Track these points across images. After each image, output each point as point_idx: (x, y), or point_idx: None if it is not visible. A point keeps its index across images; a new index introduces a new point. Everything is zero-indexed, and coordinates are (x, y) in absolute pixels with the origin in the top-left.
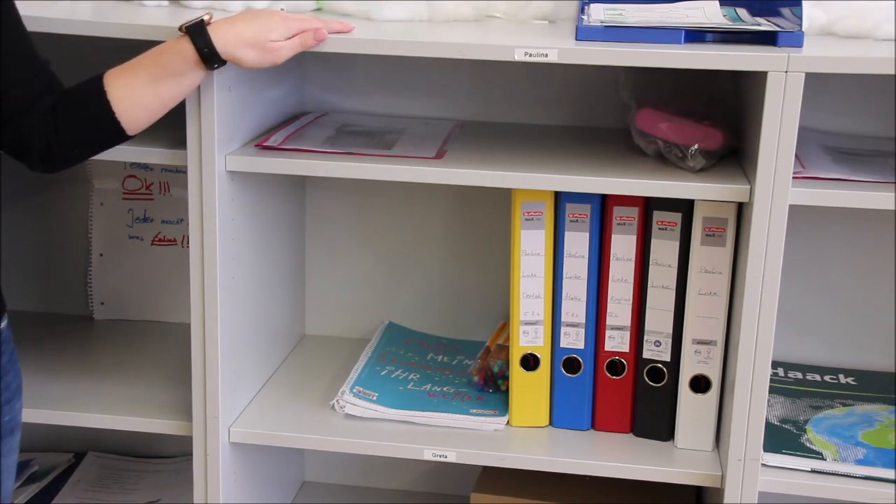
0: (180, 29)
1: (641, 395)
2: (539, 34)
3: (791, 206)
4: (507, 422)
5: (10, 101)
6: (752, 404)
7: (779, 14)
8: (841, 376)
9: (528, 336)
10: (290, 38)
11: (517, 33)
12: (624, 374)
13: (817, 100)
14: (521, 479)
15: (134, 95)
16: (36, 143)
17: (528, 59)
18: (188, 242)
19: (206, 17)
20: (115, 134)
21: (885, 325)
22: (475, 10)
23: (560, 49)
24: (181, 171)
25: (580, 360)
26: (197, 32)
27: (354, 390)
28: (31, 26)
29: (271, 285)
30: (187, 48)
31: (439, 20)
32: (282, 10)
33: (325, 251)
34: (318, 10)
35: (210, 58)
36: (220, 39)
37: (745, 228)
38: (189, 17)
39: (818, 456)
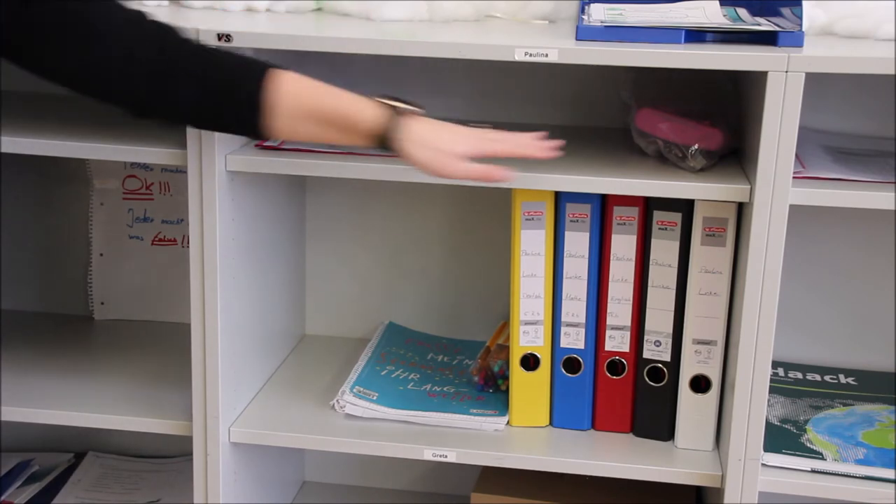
0: (380, 100)
1: (641, 395)
2: (539, 34)
3: (791, 206)
4: (508, 422)
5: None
6: (752, 404)
7: (779, 14)
8: (841, 376)
9: (528, 336)
10: (474, 161)
11: (517, 33)
12: (624, 374)
13: (817, 100)
14: (521, 479)
15: (295, 116)
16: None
17: (528, 59)
18: (188, 242)
19: (409, 107)
20: (247, 126)
21: (885, 325)
22: (475, 10)
23: (560, 49)
24: (181, 171)
25: (580, 360)
26: (395, 119)
27: (354, 390)
28: None
29: (271, 285)
30: (377, 126)
31: (439, 20)
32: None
33: (325, 251)
34: (318, 9)
35: (385, 144)
36: (407, 138)
37: (745, 228)
38: (188, 22)
39: (818, 456)
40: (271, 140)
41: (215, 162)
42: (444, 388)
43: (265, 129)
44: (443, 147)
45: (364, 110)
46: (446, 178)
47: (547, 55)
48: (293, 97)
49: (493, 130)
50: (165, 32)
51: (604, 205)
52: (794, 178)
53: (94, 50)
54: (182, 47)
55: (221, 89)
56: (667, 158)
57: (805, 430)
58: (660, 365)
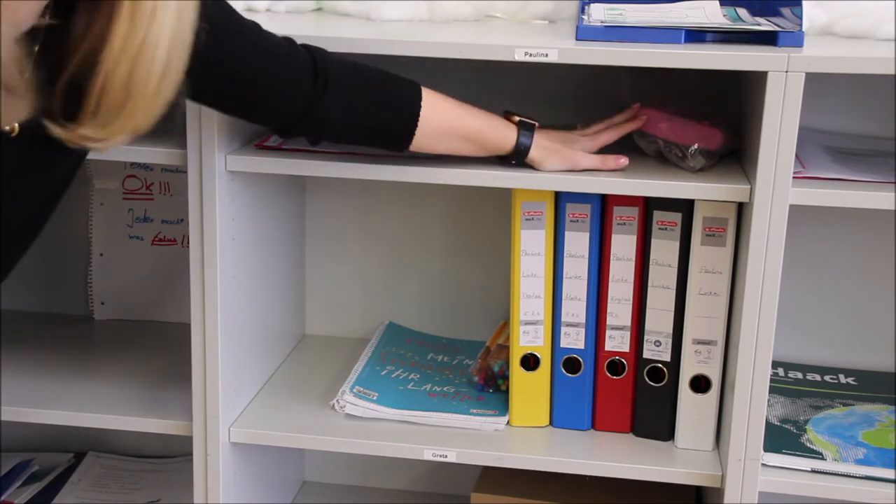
0: (512, 120)
1: (641, 395)
2: (539, 34)
3: (791, 206)
4: (507, 422)
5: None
6: (752, 404)
7: (779, 14)
8: (841, 376)
9: (529, 336)
10: (593, 155)
11: (517, 33)
12: (624, 374)
13: (817, 100)
14: (521, 479)
15: (438, 132)
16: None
17: (528, 59)
18: (188, 242)
19: (530, 121)
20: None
21: (885, 325)
22: (475, 10)
23: (560, 49)
24: (181, 171)
25: (580, 360)
26: (526, 134)
27: (354, 390)
28: None
29: (271, 285)
30: (510, 141)
31: (439, 20)
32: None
33: (325, 251)
34: (318, 9)
35: (516, 157)
36: (536, 146)
37: (745, 228)
38: None
39: (818, 456)
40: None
41: (215, 162)
42: (444, 388)
43: (412, 144)
44: (565, 148)
45: (500, 129)
46: (579, 169)
47: (547, 55)
48: (439, 115)
49: (587, 128)
50: (316, 62)
51: (604, 205)
52: (794, 178)
53: (253, 93)
54: (335, 75)
55: (381, 109)
56: (667, 158)
57: (805, 430)
58: (660, 365)
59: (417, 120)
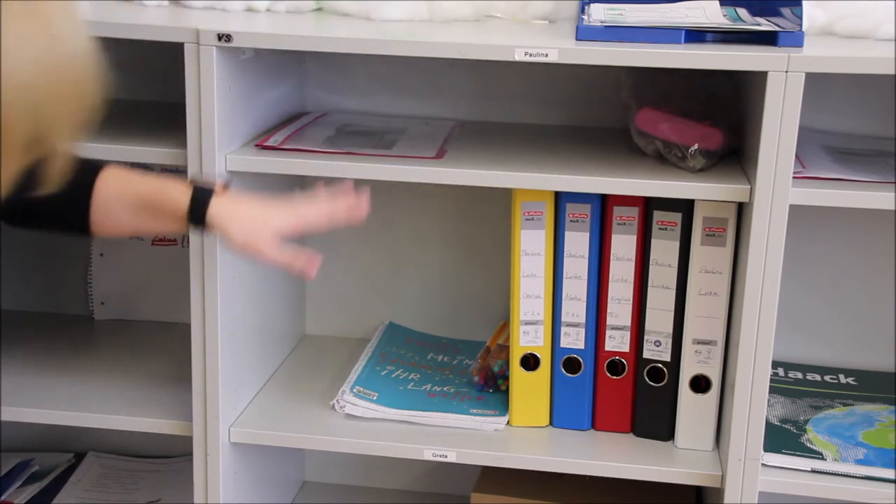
0: (190, 182)
1: (641, 395)
2: (539, 34)
3: (791, 206)
4: (507, 422)
5: None
6: (752, 404)
7: (779, 14)
8: (841, 376)
9: (529, 336)
10: (286, 245)
11: (517, 33)
12: (624, 374)
13: (817, 100)
14: (521, 479)
15: (111, 205)
16: None
17: (528, 59)
18: (188, 242)
19: (218, 184)
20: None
21: (885, 325)
22: (475, 10)
23: (560, 49)
24: (181, 171)
25: (580, 360)
26: (200, 196)
27: (354, 390)
28: None
29: (271, 285)
30: (186, 196)
31: (439, 20)
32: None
33: (325, 251)
34: (318, 9)
35: (193, 213)
36: (216, 213)
37: (745, 228)
38: (189, 22)
39: (818, 456)
40: (100, 234)
41: (215, 162)
42: (444, 388)
43: (92, 224)
44: (257, 222)
45: (173, 189)
46: (261, 258)
47: (547, 55)
48: (107, 187)
49: (310, 200)
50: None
51: (604, 205)
52: (794, 178)
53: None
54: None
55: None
56: (666, 158)
57: (805, 430)
58: (660, 365)
59: (91, 191)
